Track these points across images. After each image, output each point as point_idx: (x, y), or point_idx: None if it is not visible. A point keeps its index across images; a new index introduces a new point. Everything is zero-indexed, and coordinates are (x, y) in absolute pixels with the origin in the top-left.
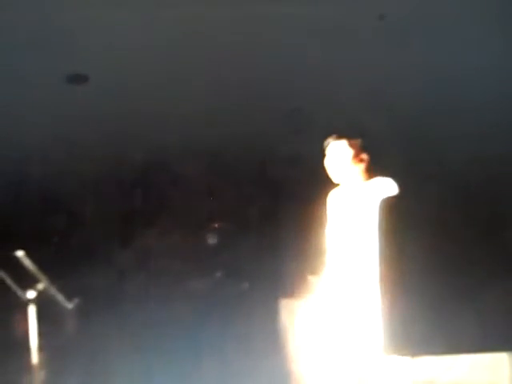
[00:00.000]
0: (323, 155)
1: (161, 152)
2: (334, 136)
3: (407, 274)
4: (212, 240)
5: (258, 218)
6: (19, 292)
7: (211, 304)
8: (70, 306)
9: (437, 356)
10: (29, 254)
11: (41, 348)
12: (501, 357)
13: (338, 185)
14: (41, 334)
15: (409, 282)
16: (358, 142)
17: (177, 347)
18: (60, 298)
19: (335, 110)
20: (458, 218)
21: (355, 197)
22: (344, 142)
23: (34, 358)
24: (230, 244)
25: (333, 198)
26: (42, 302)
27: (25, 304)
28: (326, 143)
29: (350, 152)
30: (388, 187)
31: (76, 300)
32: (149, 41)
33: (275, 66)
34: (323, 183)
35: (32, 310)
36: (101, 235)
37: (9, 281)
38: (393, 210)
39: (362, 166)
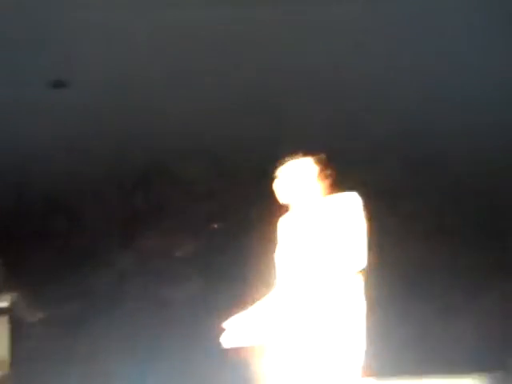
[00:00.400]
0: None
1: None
2: (299, 153)
3: (383, 294)
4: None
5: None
6: None
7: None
8: (39, 316)
9: (408, 378)
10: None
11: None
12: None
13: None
14: (11, 343)
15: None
16: (322, 157)
17: (173, 348)
18: (30, 307)
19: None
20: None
21: (321, 214)
22: (309, 159)
23: (4, 365)
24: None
25: (292, 220)
26: (12, 311)
27: None
28: (286, 161)
29: (316, 169)
30: (352, 202)
31: (46, 310)
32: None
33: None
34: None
35: (2, 320)
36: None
37: None
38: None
39: (326, 183)
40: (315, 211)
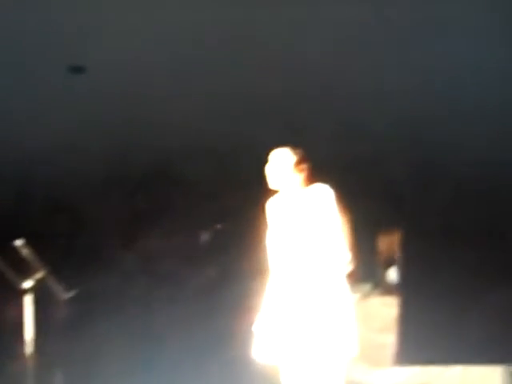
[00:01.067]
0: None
1: (162, 154)
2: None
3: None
4: (214, 241)
5: (260, 219)
6: (16, 281)
7: (212, 306)
8: (66, 296)
9: (433, 365)
10: (29, 244)
11: (36, 337)
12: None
13: (277, 192)
14: (36, 323)
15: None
16: (301, 151)
17: (175, 349)
18: (57, 288)
19: (335, 111)
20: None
21: (298, 203)
22: (288, 151)
23: (29, 346)
24: (233, 245)
25: (273, 205)
26: (39, 291)
27: (22, 293)
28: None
29: (293, 160)
30: (326, 193)
31: (73, 291)
32: (152, 40)
33: (276, 68)
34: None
35: (28, 300)
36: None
37: (6, 269)
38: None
39: (303, 175)
40: (296, 200)
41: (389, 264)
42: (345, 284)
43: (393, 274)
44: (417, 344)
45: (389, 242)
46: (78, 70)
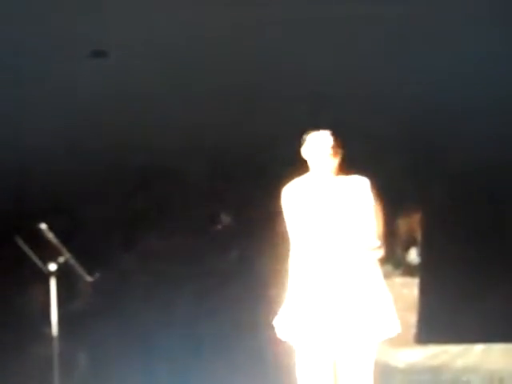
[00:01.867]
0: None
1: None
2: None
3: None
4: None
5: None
6: (41, 264)
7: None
8: (90, 279)
9: (454, 344)
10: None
11: (60, 319)
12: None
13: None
14: (61, 306)
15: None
16: (336, 137)
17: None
18: (81, 270)
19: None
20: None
21: (332, 187)
22: (324, 133)
23: (54, 328)
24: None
25: (305, 189)
26: (62, 274)
27: (46, 276)
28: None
29: (330, 143)
30: (361, 181)
31: (97, 274)
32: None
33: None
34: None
35: (53, 282)
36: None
37: (31, 253)
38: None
39: (337, 160)
40: (330, 185)
41: (409, 245)
42: (378, 268)
43: (413, 255)
44: (438, 323)
45: (409, 223)
46: (99, 54)
